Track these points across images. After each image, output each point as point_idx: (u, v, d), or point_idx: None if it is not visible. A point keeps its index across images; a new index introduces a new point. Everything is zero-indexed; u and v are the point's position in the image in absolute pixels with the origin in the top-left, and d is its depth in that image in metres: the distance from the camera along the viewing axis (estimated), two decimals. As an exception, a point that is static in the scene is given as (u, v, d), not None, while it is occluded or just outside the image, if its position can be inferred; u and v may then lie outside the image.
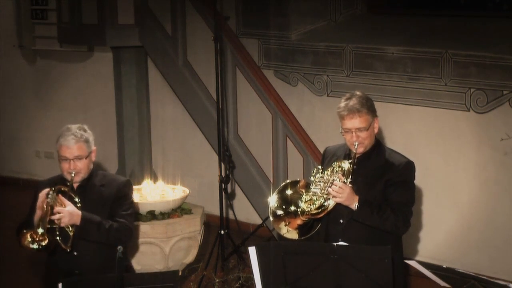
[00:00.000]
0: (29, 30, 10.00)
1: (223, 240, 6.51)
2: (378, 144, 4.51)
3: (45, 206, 4.29)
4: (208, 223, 6.74)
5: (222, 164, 6.74)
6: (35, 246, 4.24)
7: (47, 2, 9.78)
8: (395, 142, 6.63)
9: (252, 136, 7.99)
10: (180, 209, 6.12)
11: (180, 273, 5.81)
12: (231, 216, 7.41)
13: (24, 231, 4.26)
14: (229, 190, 7.23)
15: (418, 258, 6.78)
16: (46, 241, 4.24)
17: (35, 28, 10.00)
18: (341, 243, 4.07)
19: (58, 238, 4.30)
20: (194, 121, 8.47)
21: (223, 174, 6.64)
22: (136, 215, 5.59)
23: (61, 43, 9.59)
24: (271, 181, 7.71)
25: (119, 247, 3.70)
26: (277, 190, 4.52)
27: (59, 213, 4.29)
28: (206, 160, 8.49)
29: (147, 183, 6.40)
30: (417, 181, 6.74)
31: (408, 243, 6.99)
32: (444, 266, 4.06)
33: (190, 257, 6.10)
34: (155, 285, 3.87)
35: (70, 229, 4.33)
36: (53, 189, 4.36)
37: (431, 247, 6.99)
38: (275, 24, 7.78)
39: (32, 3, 9.88)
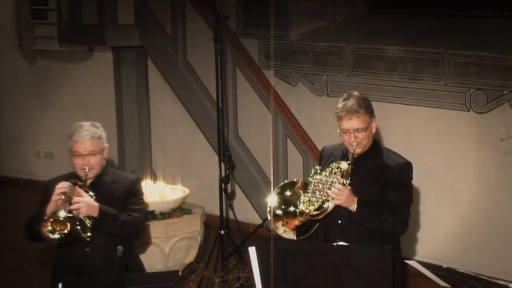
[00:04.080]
0: (29, 30, 9.99)
1: (223, 240, 6.51)
2: (375, 144, 4.51)
3: (63, 197, 4.28)
4: (208, 223, 6.74)
5: (222, 164, 6.74)
6: (56, 236, 4.21)
7: (47, 2, 9.78)
8: (395, 142, 6.63)
9: (252, 136, 7.99)
10: (180, 209, 6.12)
11: (180, 273, 5.81)
12: (231, 216, 7.41)
13: (45, 217, 4.23)
14: (229, 190, 7.23)
15: (418, 258, 6.78)
16: (68, 229, 4.22)
17: (35, 28, 10.00)
18: (341, 243, 4.07)
19: (78, 227, 4.29)
20: (194, 121, 8.47)
21: (223, 174, 6.64)
22: (146, 210, 5.61)
23: (61, 43, 9.59)
24: (271, 181, 7.71)
25: (119, 247, 3.70)
26: (275, 190, 4.52)
27: (77, 203, 4.29)
28: (206, 160, 8.49)
29: (147, 183, 6.40)
30: (417, 181, 6.73)
31: (408, 243, 6.99)
32: (444, 266, 4.06)
33: (190, 257, 6.10)
34: (155, 285, 3.87)
35: (88, 221, 4.32)
36: (70, 182, 4.38)
37: (431, 247, 6.99)
38: (275, 24, 7.78)
39: (32, 3, 9.87)
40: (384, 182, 4.41)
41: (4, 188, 9.82)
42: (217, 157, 6.94)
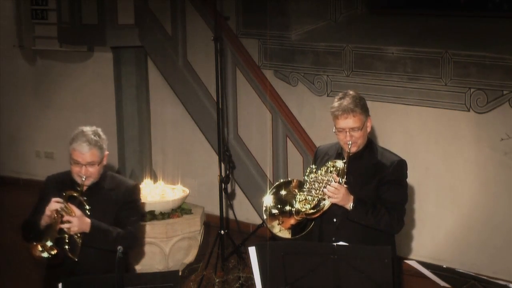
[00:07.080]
0: (29, 30, 10.00)
1: (223, 240, 6.51)
2: (370, 143, 4.53)
3: (55, 215, 4.28)
4: (208, 223, 6.74)
5: (222, 164, 6.74)
6: (45, 255, 4.23)
7: (47, 2, 9.78)
8: (395, 142, 6.63)
9: (252, 136, 7.99)
10: (180, 209, 6.12)
11: (180, 273, 5.81)
12: (231, 216, 7.42)
13: (34, 243, 4.24)
14: (229, 190, 7.23)
15: (417, 258, 6.77)
16: (56, 251, 4.25)
17: (35, 28, 10.00)
18: (341, 243, 4.07)
19: (66, 247, 4.30)
20: (194, 121, 8.47)
21: (223, 174, 6.64)
22: (143, 218, 5.60)
23: (61, 43, 9.60)
24: (271, 181, 7.71)
25: (119, 247, 3.70)
26: (270, 189, 4.52)
27: (68, 221, 4.28)
28: (206, 160, 8.49)
29: (147, 183, 6.40)
30: (416, 181, 6.74)
31: (408, 243, 6.99)
32: (444, 266, 4.07)
33: (190, 257, 6.10)
34: (155, 285, 3.87)
35: (78, 236, 4.32)
36: (63, 194, 4.34)
37: (431, 247, 6.99)
38: (275, 24, 7.78)
39: (32, 3, 9.88)
40: (379, 181, 4.43)
41: (4, 188, 9.82)
42: (217, 157, 6.93)
